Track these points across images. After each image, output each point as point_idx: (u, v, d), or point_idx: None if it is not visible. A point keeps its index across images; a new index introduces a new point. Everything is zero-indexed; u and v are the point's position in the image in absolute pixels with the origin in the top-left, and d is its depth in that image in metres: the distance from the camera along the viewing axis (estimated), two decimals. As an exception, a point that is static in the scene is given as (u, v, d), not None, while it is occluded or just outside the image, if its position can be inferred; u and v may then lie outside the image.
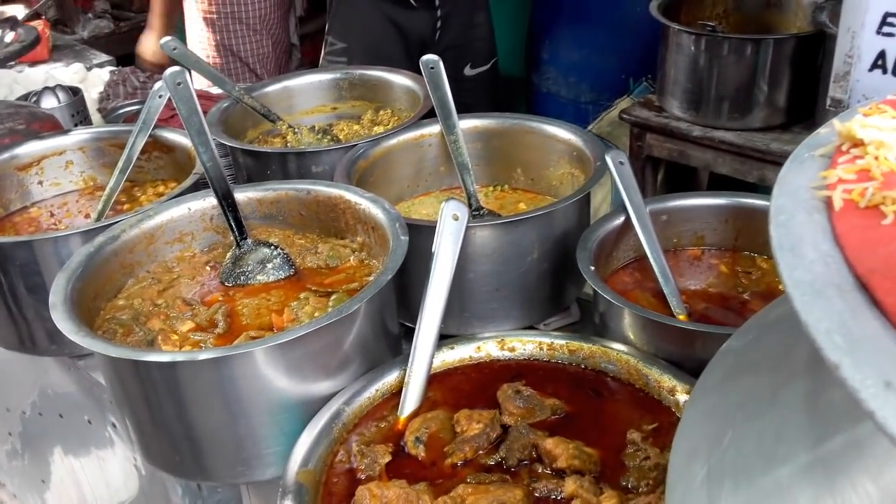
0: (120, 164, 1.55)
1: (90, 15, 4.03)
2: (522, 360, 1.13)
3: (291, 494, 0.91)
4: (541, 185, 1.58)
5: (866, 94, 1.24)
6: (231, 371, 0.99)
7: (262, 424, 1.03)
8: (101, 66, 2.79)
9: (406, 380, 1.06)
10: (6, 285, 1.31)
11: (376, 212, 1.24)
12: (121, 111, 2.17)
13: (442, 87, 1.57)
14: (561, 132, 1.49)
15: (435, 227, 1.16)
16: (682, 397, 1.00)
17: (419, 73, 1.58)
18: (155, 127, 1.59)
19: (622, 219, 1.29)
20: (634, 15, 2.66)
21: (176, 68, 1.36)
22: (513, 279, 1.27)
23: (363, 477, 0.95)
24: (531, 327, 1.29)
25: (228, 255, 1.29)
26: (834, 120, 0.59)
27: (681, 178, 2.28)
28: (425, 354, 1.07)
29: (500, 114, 1.59)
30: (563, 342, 1.12)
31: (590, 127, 2.67)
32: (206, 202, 1.33)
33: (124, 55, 3.24)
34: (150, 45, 2.95)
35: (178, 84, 1.34)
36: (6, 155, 1.55)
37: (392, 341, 1.18)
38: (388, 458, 0.97)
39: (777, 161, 1.84)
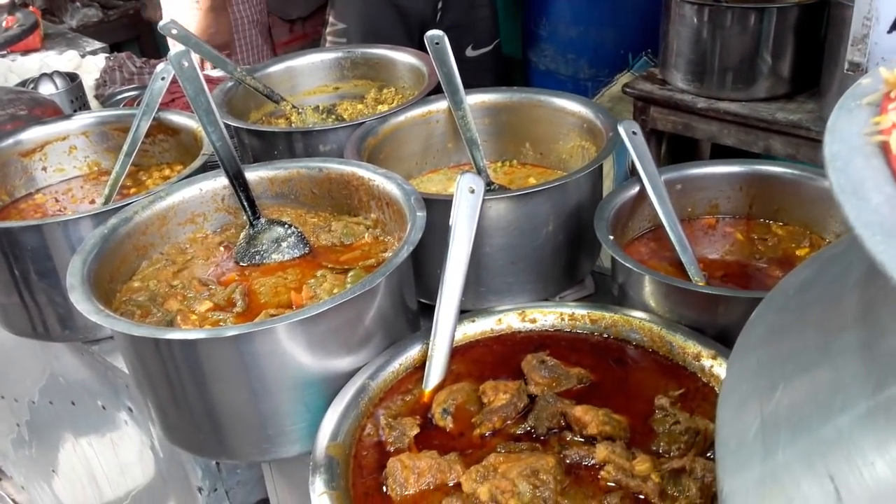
0: (125, 147, 1.54)
1: (78, 3, 3.99)
2: (544, 332, 1.13)
3: (323, 468, 0.90)
4: (550, 160, 1.57)
5: (885, 56, 1.23)
6: (255, 348, 0.98)
7: (286, 401, 1.03)
8: (94, 53, 2.76)
9: (429, 353, 1.05)
10: (18, 271, 1.30)
11: (391, 187, 1.23)
12: (119, 97, 2.14)
13: (448, 62, 1.56)
14: (571, 105, 1.48)
15: (449, 201, 1.15)
16: (707, 363, 1.00)
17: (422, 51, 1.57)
18: (158, 110, 1.57)
19: (637, 189, 1.28)
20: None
21: (181, 48, 1.35)
22: (528, 252, 1.27)
23: (392, 449, 0.95)
24: (546, 301, 1.29)
25: (242, 234, 1.28)
26: (880, 68, 0.58)
27: (683, 152, 2.28)
28: (447, 327, 1.06)
29: (508, 88, 1.58)
30: (584, 312, 1.12)
31: (590, 103, 2.66)
32: (218, 182, 1.32)
33: (114, 43, 3.20)
34: None
35: (184, 64, 1.32)
36: (10, 141, 1.53)
37: (411, 317, 1.17)
38: (416, 431, 0.97)
39: (783, 131, 1.83)
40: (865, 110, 0.58)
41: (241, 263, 1.26)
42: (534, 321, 1.13)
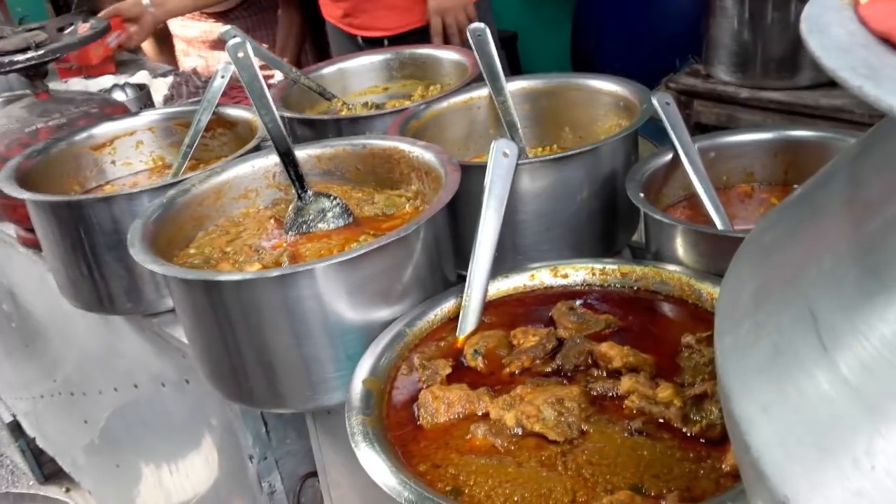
0: (186, 140, 1.64)
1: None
2: (576, 287, 1.16)
3: (358, 397, 0.95)
4: (589, 141, 1.60)
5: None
6: (297, 290, 1.04)
7: (327, 346, 1.08)
8: (164, 75, 2.92)
9: (464, 303, 1.10)
10: (87, 244, 1.40)
11: (429, 156, 1.29)
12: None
13: (489, 52, 1.63)
14: (606, 85, 1.52)
15: (484, 167, 1.20)
16: (735, 305, 1.02)
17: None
18: (217, 105, 1.67)
19: (669, 156, 1.31)
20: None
21: (237, 39, 1.45)
22: (563, 219, 1.30)
23: (425, 386, 0.99)
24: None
25: (291, 206, 1.35)
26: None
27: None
28: (481, 278, 1.10)
29: (546, 73, 1.63)
30: (615, 266, 1.15)
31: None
32: (269, 160, 1.40)
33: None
34: None
35: (239, 54, 1.42)
36: (83, 135, 1.65)
37: (447, 285, 1.21)
38: (448, 370, 1.01)
39: (827, 115, 1.84)
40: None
41: (290, 232, 1.33)
42: (566, 276, 1.17)
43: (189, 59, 3.40)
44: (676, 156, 1.30)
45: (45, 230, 1.45)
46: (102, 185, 1.70)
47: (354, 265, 1.04)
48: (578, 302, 1.09)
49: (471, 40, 1.65)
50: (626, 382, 0.92)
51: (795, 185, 1.32)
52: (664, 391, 0.88)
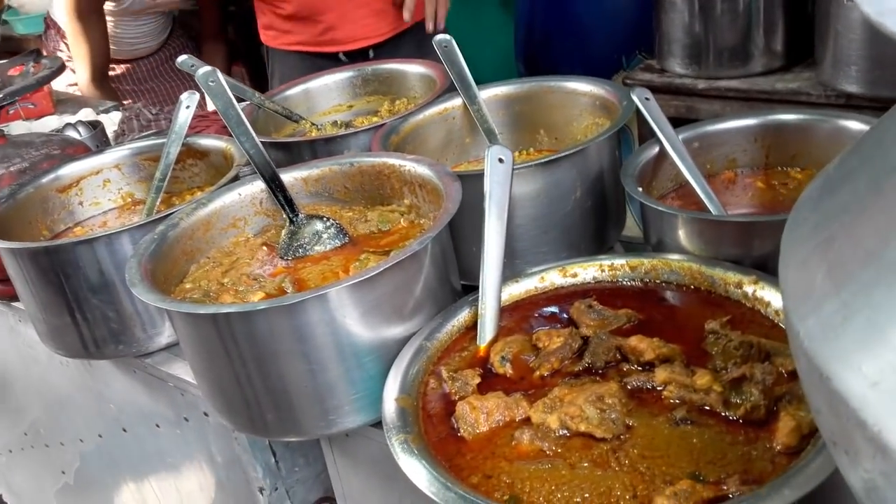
0: (157, 174, 1.60)
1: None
2: (587, 285, 1.16)
3: (395, 416, 0.94)
4: (565, 143, 1.62)
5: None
6: (311, 316, 1.02)
7: (346, 369, 1.06)
8: (107, 111, 2.84)
9: (480, 311, 1.09)
10: (69, 290, 1.35)
11: (422, 169, 1.29)
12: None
13: (458, 62, 1.63)
14: (582, 86, 1.54)
15: (479, 176, 1.20)
16: (749, 288, 1.04)
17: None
18: (185, 136, 1.63)
19: (656, 150, 1.33)
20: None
21: (207, 68, 1.42)
22: (559, 220, 1.31)
23: (457, 398, 0.98)
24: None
25: (284, 231, 1.33)
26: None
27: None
28: (494, 284, 1.10)
29: (519, 79, 1.65)
30: (622, 261, 1.16)
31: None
32: (255, 186, 1.37)
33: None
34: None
35: (212, 82, 1.39)
36: (49, 178, 1.59)
37: (455, 295, 1.21)
38: (477, 380, 1.00)
39: (784, 99, 1.90)
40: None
41: (286, 258, 1.30)
42: (575, 275, 1.17)
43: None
44: (662, 149, 1.32)
45: (24, 279, 1.39)
46: (72, 228, 1.64)
47: (368, 286, 1.03)
48: (594, 297, 1.10)
49: (438, 52, 1.65)
50: (661, 373, 0.93)
51: (778, 167, 1.36)
52: (702, 378, 0.90)
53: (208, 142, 1.65)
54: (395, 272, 1.05)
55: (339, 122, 1.85)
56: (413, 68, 1.87)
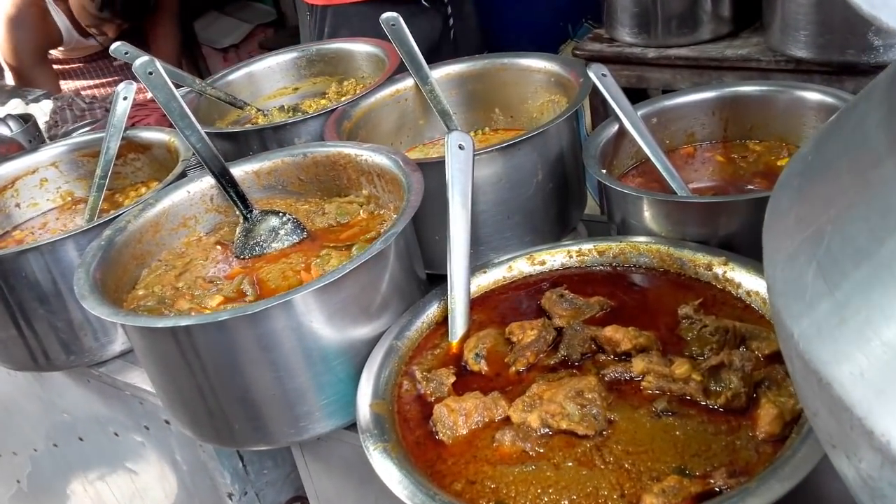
0: (98, 170, 1.52)
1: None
2: (555, 272, 1.15)
3: (371, 424, 0.91)
4: (521, 121, 1.60)
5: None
6: (278, 322, 0.98)
7: (316, 374, 1.03)
8: (37, 100, 2.71)
9: (450, 306, 1.06)
10: (13, 301, 1.27)
11: (380, 159, 1.24)
12: (74, 134, 2.11)
13: (407, 41, 1.59)
14: (536, 62, 1.51)
15: (439, 163, 1.16)
16: (719, 270, 1.03)
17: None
18: (125, 129, 1.56)
19: (616, 128, 1.31)
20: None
21: (145, 58, 1.35)
22: (522, 204, 1.29)
23: (433, 400, 0.96)
24: (547, 248, 1.31)
25: (238, 229, 1.28)
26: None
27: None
28: (462, 277, 1.08)
29: (471, 57, 1.61)
30: (590, 246, 1.14)
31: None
32: (204, 183, 1.31)
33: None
34: None
35: (150, 73, 1.32)
36: (-20, 180, 1.51)
37: (422, 286, 1.18)
38: (452, 379, 0.98)
39: (734, 66, 1.90)
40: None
41: (243, 257, 1.25)
42: (543, 263, 1.15)
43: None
44: (622, 126, 1.31)
45: (-38, 292, 1.31)
46: (10, 232, 1.56)
47: (334, 288, 0.99)
48: (565, 287, 1.08)
49: (385, 30, 1.60)
50: (638, 364, 0.91)
51: (737, 140, 1.36)
52: (680, 367, 0.89)
53: (150, 134, 1.57)
54: (361, 272, 1.01)
55: (286, 107, 1.79)
56: (360, 47, 1.81)
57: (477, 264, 1.17)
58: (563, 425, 0.86)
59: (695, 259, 1.06)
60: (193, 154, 1.35)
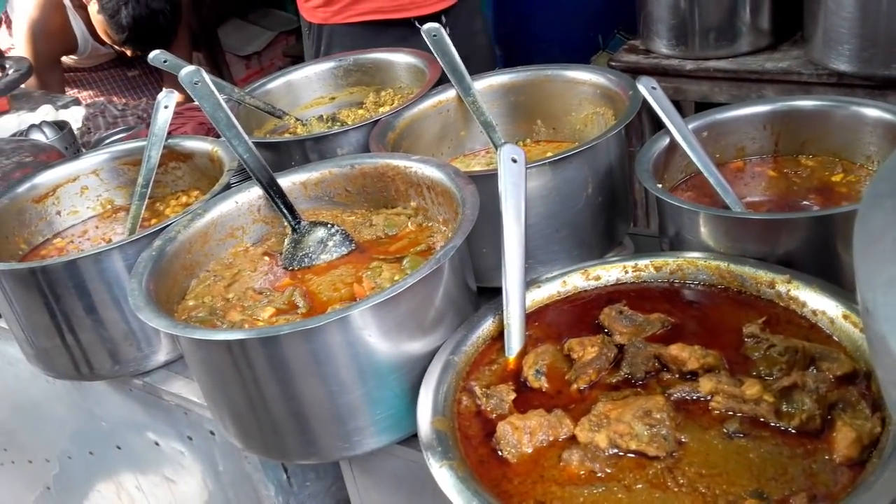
0: (140, 179, 1.52)
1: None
2: (611, 287, 1.13)
3: (435, 442, 0.89)
4: (563, 133, 1.59)
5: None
6: (336, 337, 0.97)
7: (371, 389, 1.01)
8: (66, 106, 2.71)
9: (506, 321, 1.05)
10: (59, 311, 1.27)
11: (431, 171, 1.23)
12: (107, 141, 2.11)
13: (449, 52, 1.58)
14: (583, 74, 1.50)
15: (490, 177, 1.15)
16: (782, 288, 1.02)
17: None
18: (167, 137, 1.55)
19: (666, 141, 1.30)
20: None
21: (190, 68, 1.34)
22: (571, 218, 1.28)
23: (494, 416, 0.94)
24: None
25: (287, 240, 1.27)
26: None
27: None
28: (517, 292, 1.06)
29: (514, 68, 1.60)
30: (646, 261, 1.13)
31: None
32: (252, 193, 1.31)
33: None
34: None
35: (196, 83, 1.32)
36: (24, 187, 1.51)
37: (473, 298, 1.17)
38: (513, 395, 0.96)
39: (774, 79, 1.88)
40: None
41: (291, 268, 1.24)
42: (598, 278, 1.14)
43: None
44: (673, 140, 1.29)
45: (8, 300, 1.31)
46: (51, 239, 1.56)
47: (392, 303, 0.98)
48: (624, 303, 1.07)
49: (428, 42, 1.59)
50: (707, 384, 0.90)
51: (789, 155, 1.34)
52: (752, 388, 0.87)
53: (192, 143, 1.57)
54: (418, 287, 1.00)
55: (324, 117, 1.78)
56: (400, 58, 1.80)
57: (530, 279, 1.16)
58: (633, 446, 0.85)
59: (756, 276, 1.04)
60: (238, 164, 1.35)
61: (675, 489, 0.80)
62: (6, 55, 1.61)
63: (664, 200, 1.17)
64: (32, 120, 2.35)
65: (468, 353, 1.05)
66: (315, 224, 1.28)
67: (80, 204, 1.60)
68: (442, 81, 1.59)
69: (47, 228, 1.55)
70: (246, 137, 1.30)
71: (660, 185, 1.19)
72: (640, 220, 1.97)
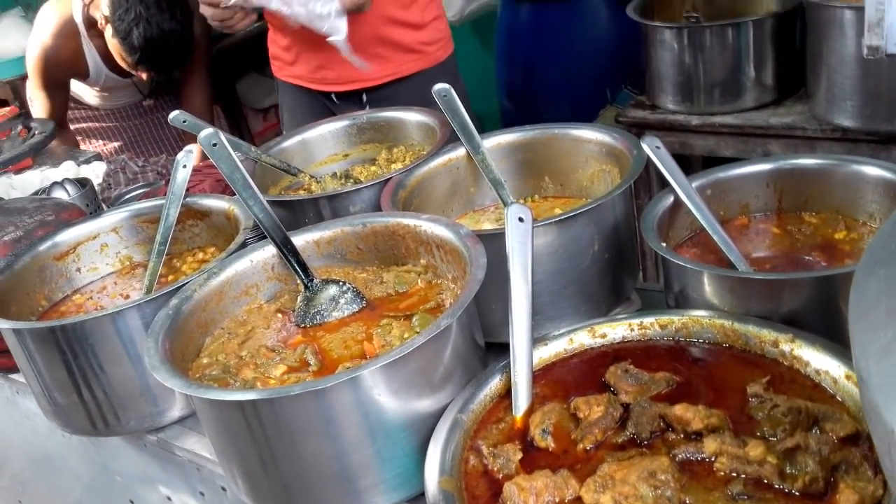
0: (158, 237, 1.56)
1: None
2: (616, 345, 1.15)
3: (441, 502, 0.91)
4: (571, 189, 1.62)
5: (900, 36, 1.31)
6: (347, 397, 0.99)
7: (378, 448, 1.03)
8: (88, 161, 2.78)
9: (513, 379, 1.07)
10: (76, 368, 1.30)
11: (440, 230, 1.27)
12: (127, 197, 2.17)
13: (459, 112, 1.62)
14: (588, 133, 1.53)
15: (497, 235, 1.18)
16: (786, 347, 1.03)
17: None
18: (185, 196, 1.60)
19: (671, 199, 1.33)
20: (599, 28, 2.77)
21: (209, 130, 1.39)
22: (578, 275, 1.30)
23: (500, 476, 0.96)
24: (603, 319, 1.31)
25: (299, 298, 1.30)
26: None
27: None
28: (524, 351, 1.08)
29: (522, 127, 1.64)
30: (652, 319, 1.15)
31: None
32: (266, 252, 1.34)
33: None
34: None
35: (214, 144, 1.37)
36: (45, 245, 1.55)
37: (481, 354, 1.19)
38: (520, 455, 0.98)
39: (779, 134, 1.91)
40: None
41: (304, 325, 1.27)
42: (604, 336, 1.16)
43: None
44: (677, 198, 1.32)
45: (27, 357, 1.34)
46: (70, 296, 1.60)
47: (402, 363, 1.00)
48: (629, 362, 1.08)
49: (438, 101, 1.64)
50: (711, 444, 0.91)
51: (792, 212, 1.36)
52: (755, 449, 0.88)
53: (209, 202, 1.61)
54: (427, 346, 1.02)
55: (338, 174, 1.82)
56: (411, 116, 1.85)
57: (538, 336, 1.17)
58: (637, 507, 0.86)
59: (760, 335, 1.06)
60: (253, 223, 1.39)
61: (680, 551, 0.81)
62: (31, 120, 1.67)
63: (668, 259, 1.19)
64: (55, 177, 2.41)
65: (476, 411, 1.06)
66: (327, 282, 1.31)
67: (100, 261, 1.64)
68: (452, 139, 1.64)
69: (67, 285, 1.59)
70: (261, 197, 1.34)
71: (664, 244, 1.21)
72: (649, 272, 1.98)
